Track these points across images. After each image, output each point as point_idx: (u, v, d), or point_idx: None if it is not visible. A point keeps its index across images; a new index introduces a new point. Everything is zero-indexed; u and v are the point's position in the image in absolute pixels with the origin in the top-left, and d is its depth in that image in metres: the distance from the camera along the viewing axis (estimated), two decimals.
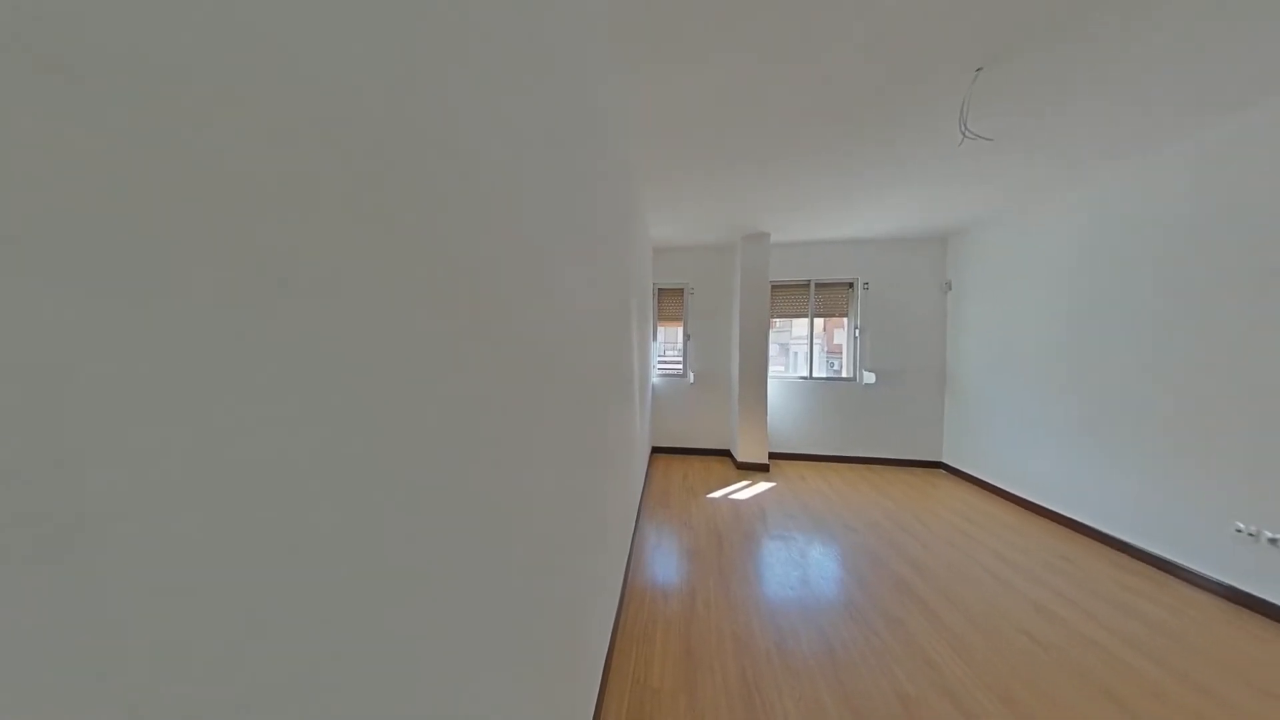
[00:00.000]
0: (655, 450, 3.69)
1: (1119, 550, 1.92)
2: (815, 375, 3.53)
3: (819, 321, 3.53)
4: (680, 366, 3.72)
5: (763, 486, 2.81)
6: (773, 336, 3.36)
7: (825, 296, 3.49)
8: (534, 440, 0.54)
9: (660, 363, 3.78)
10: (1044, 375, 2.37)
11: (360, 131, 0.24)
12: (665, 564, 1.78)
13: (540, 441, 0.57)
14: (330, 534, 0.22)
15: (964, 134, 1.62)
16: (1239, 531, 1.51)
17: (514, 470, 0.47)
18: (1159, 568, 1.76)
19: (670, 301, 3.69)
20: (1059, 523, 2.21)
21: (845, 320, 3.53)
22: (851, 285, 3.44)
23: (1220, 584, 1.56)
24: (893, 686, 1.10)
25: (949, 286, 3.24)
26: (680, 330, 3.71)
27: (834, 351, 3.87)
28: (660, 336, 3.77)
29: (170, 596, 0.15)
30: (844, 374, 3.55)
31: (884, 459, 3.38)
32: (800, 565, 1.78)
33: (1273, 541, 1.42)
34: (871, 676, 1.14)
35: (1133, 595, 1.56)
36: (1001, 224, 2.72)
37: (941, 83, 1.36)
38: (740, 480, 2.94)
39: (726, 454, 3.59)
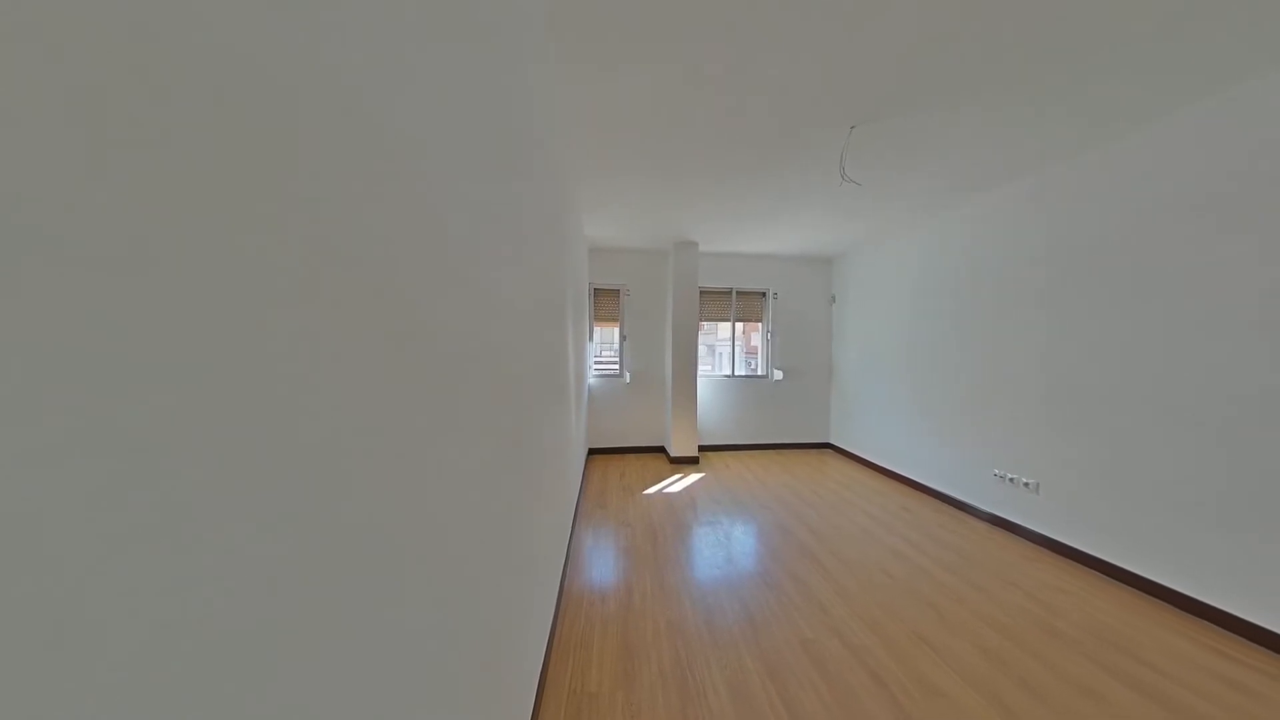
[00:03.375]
0: (593, 452, 3.68)
1: (936, 498, 2.62)
2: (736, 374, 3.95)
3: (739, 325, 3.96)
4: (617, 367, 3.78)
5: (694, 478, 3.05)
6: (701, 338, 3.65)
7: (744, 303, 3.92)
8: (448, 453, 0.48)
9: (596, 363, 3.78)
10: (893, 370, 3.08)
11: (195, 53, 0.19)
12: (603, 565, 1.79)
13: (456, 453, 0.51)
14: (126, 599, 0.16)
15: (842, 177, 2.01)
16: (996, 476, 2.22)
17: (419, 489, 0.41)
18: (958, 507, 2.46)
19: (606, 301, 3.71)
20: (904, 483, 2.91)
21: (760, 325, 4.02)
22: (765, 294, 3.94)
23: (988, 514, 2.26)
24: (797, 635, 1.34)
25: (834, 299, 3.95)
26: (617, 330, 3.76)
27: (751, 352, 4.38)
28: (597, 337, 3.77)
29: None
30: (759, 372, 4.05)
31: (789, 443, 3.97)
32: (725, 546, 2.00)
33: (1011, 480, 2.13)
34: (781, 631, 1.36)
35: (944, 530, 2.16)
36: (868, 252, 3.42)
37: (826, 133, 1.67)
38: (674, 474, 3.14)
39: (661, 450, 3.78)
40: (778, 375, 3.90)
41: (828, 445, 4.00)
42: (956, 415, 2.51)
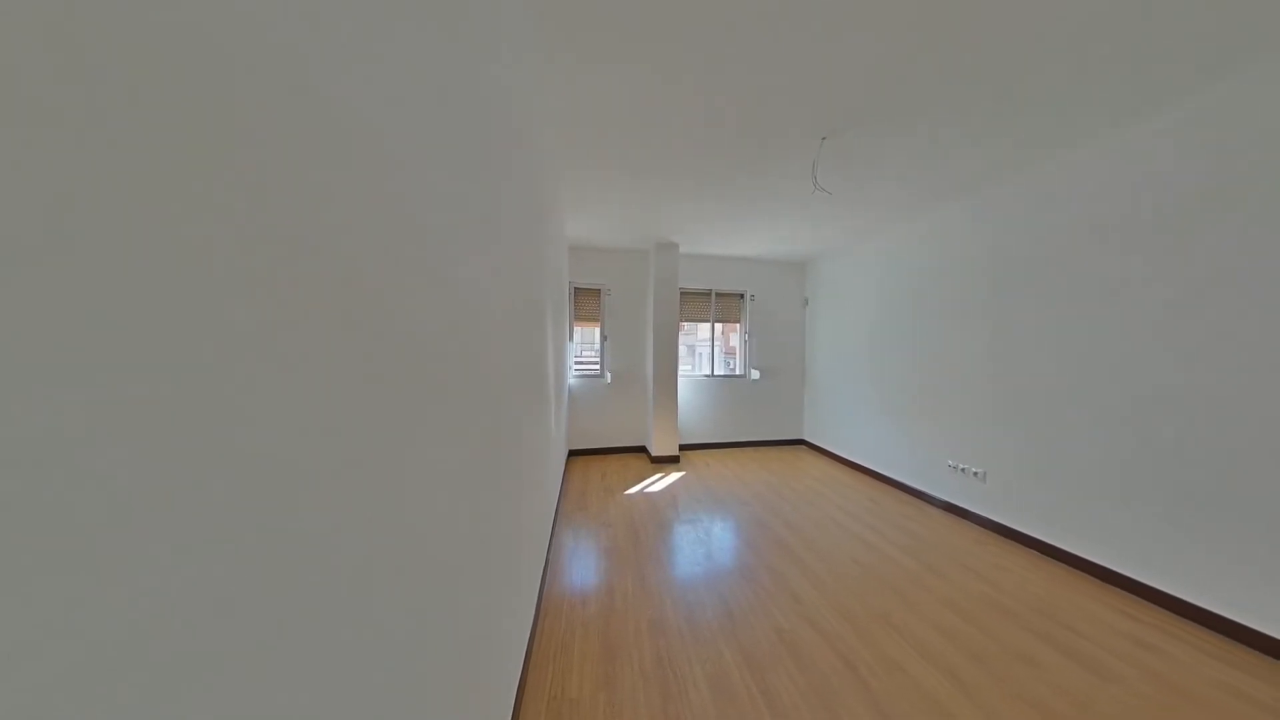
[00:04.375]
0: (573, 453, 3.65)
1: (898, 488, 2.81)
2: (716, 373, 4.04)
3: (718, 326, 4.05)
4: (597, 367, 3.76)
5: (674, 477, 3.10)
6: (681, 338, 3.70)
7: (723, 305, 4.02)
8: (422, 455, 0.46)
9: (577, 363, 3.74)
10: (860, 370, 3.27)
11: (123, 20, 0.17)
12: (583, 568, 1.78)
13: (431, 456, 0.49)
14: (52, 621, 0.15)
15: (815, 186, 2.11)
16: (950, 467, 2.41)
17: (391, 493, 0.40)
18: (918, 497, 2.65)
19: (587, 301, 3.69)
20: (871, 476, 3.10)
21: (738, 326, 4.13)
22: (742, 296, 4.05)
23: (944, 502, 2.46)
24: (772, 625, 1.39)
25: (806, 302, 4.13)
26: (597, 330, 3.74)
27: (730, 352, 4.49)
28: (577, 336, 3.73)
29: None
30: (737, 371, 4.17)
31: (766, 440, 4.11)
32: (705, 543, 2.04)
33: (963, 470, 2.32)
34: (758, 623, 1.41)
35: (906, 519, 2.32)
36: (838, 257, 3.60)
37: (799, 143, 1.75)
38: (655, 473, 3.17)
39: (643, 450, 3.80)
40: (755, 375, 4.03)
41: (801, 442, 4.18)
42: (915, 411, 2.70)
